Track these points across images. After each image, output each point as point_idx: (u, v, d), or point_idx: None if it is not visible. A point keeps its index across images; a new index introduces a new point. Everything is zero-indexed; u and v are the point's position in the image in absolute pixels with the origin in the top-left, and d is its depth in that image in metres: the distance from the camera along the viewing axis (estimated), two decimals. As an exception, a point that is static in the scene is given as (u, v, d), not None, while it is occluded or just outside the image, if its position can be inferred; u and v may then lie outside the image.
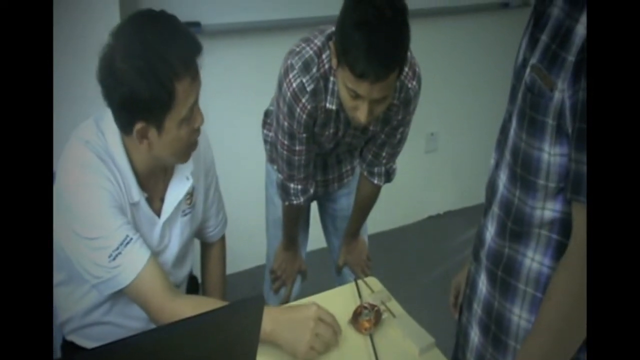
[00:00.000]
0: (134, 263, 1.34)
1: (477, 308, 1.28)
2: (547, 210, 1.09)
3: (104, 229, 1.33)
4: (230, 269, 1.96)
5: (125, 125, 1.32)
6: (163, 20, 1.29)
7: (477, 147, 3.67)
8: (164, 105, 1.26)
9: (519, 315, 1.18)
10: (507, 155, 1.16)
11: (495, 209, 1.21)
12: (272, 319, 1.31)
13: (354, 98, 1.54)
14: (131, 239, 1.34)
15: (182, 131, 1.32)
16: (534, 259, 1.13)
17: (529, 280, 1.15)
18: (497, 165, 1.22)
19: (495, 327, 1.22)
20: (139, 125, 1.29)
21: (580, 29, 0.97)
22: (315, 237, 2.33)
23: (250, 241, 2.61)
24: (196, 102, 1.33)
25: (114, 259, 1.32)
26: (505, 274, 1.19)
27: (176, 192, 1.50)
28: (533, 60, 1.07)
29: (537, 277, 1.14)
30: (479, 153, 3.69)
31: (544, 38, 1.05)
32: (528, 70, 1.08)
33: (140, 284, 1.34)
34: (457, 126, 3.56)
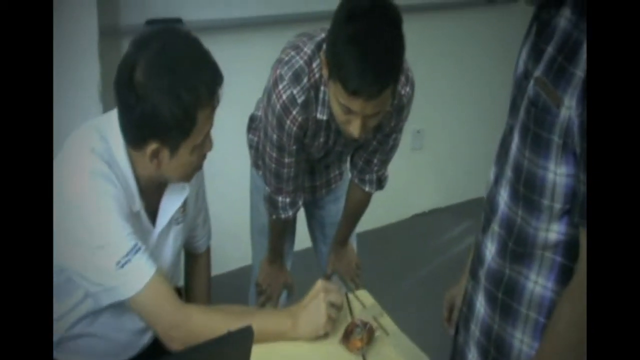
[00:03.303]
0: (142, 272, 1.30)
1: (475, 329, 1.23)
2: (552, 232, 1.04)
3: (114, 236, 1.29)
4: (215, 270, 1.90)
5: (138, 141, 1.30)
6: (190, 44, 1.28)
7: (463, 144, 3.64)
8: (183, 131, 1.26)
9: (520, 340, 1.13)
10: (509, 172, 1.10)
11: (496, 227, 1.15)
12: (290, 314, 1.40)
13: (347, 113, 1.48)
14: (140, 247, 1.30)
15: (193, 156, 1.32)
16: (537, 282, 1.08)
17: (532, 304, 1.10)
18: (497, 181, 1.16)
19: (495, 351, 1.17)
20: (153, 145, 1.27)
21: None
22: (303, 238, 2.27)
23: (234, 242, 2.55)
24: (210, 130, 1.33)
25: (123, 266, 1.27)
26: (506, 296, 1.14)
27: (173, 201, 1.47)
28: (537, 73, 1.02)
29: (540, 300, 1.09)
30: (465, 150, 3.66)
31: (550, 50, 1.00)
32: (531, 82, 1.03)
33: (150, 293, 1.30)
34: (444, 123, 3.52)
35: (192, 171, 1.40)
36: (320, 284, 1.42)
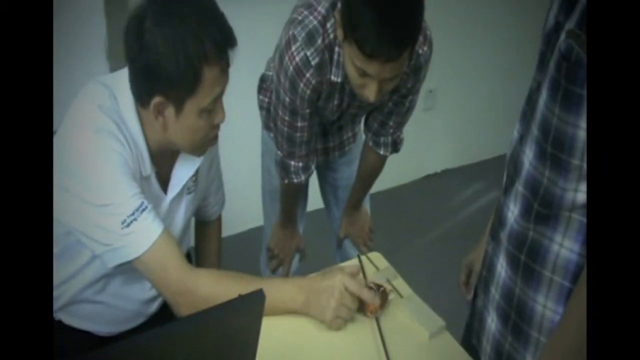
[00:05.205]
0: (149, 231, 1.25)
1: (495, 293, 1.19)
2: (581, 192, 0.99)
3: (119, 195, 1.24)
4: (225, 232, 1.88)
5: (143, 95, 1.25)
6: (205, 1, 1.23)
7: (476, 105, 3.56)
8: (188, 86, 1.21)
9: (543, 305, 1.08)
10: (535, 130, 1.05)
11: (520, 187, 1.10)
12: (304, 290, 1.31)
13: (362, 76, 1.41)
14: (147, 206, 1.25)
15: (201, 122, 1.26)
16: (562, 245, 1.04)
17: (557, 267, 1.05)
18: (522, 140, 1.11)
19: (516, 316, 1.13)
20: (157, 99, 1.22)
21: None
22: (315, 199, 2.23)
23: (246, 204, 2.51)
24: (221, 96, 1.27)
25: (128, 225, 1.23)
26: (529, 259, 1.09)
27: (185, 169, 1.42)
28: (569, 25, 0.95)
29: (566, 264, 1.04)
30: (478, 111, 3.58)
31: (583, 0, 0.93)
32: (563, 36, 0.96)
33: (157, 253, 1.25)
34: (457, 83, 3.43)
35: (201, 142, 1.33)
36: (339, 279, 1.29)
